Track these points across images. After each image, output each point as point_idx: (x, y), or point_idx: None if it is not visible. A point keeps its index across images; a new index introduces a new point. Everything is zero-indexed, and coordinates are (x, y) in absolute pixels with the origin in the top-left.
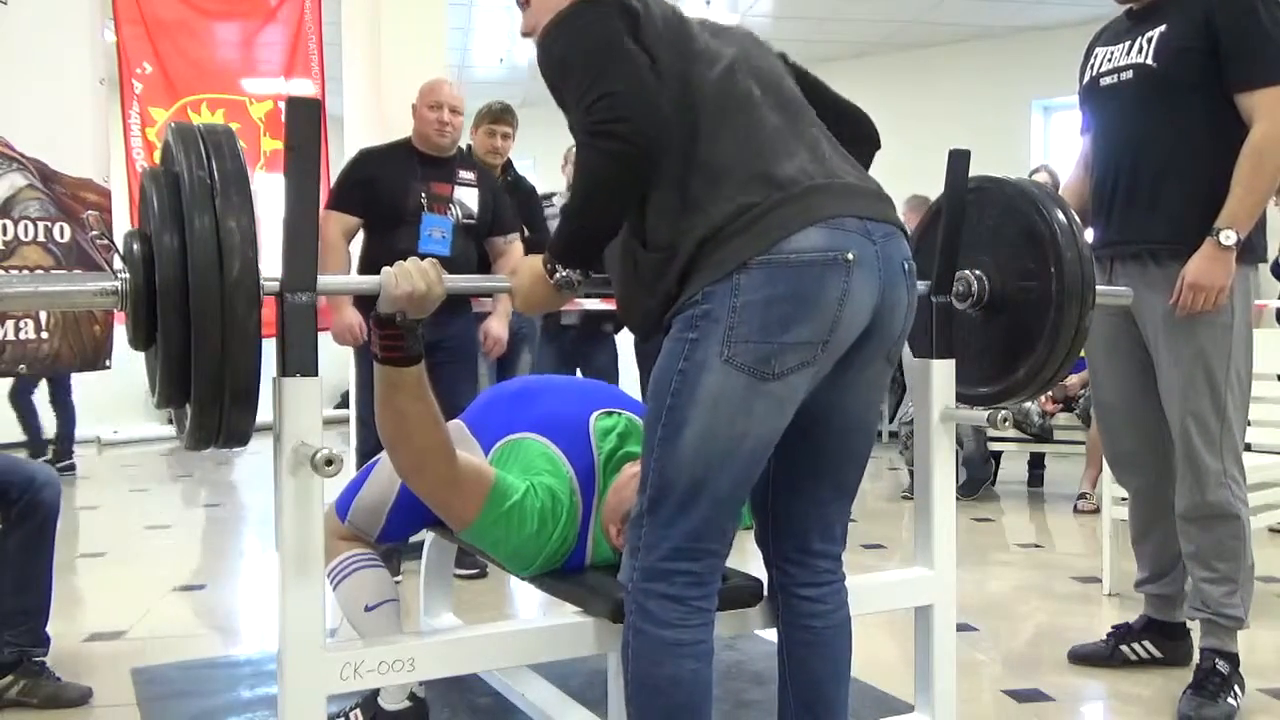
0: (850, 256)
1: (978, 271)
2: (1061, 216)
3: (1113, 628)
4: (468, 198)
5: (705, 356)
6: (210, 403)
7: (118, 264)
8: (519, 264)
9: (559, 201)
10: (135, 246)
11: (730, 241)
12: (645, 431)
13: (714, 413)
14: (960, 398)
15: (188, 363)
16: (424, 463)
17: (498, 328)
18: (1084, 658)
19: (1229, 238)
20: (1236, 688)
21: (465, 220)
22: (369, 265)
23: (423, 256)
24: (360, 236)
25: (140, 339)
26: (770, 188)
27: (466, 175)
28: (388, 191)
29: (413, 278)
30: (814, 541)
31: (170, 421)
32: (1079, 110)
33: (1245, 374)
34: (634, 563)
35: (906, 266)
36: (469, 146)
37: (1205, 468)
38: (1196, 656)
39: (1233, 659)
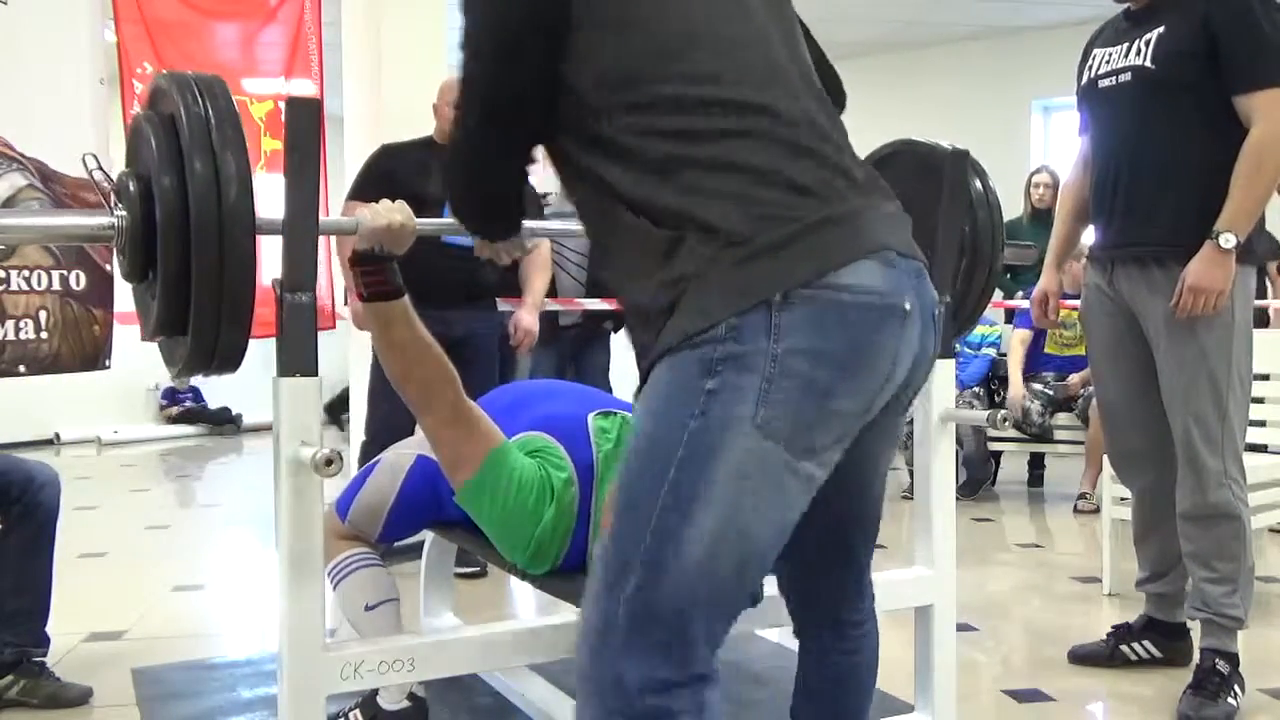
0: (908, 306)
1: None
2: (977, 184)
3: (1113, 628)
4: None
5: (730, 416)
6: (209, 321)
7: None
8: None
9: (555, 201)
10: (130, 185)
11: (760, 260)
12: (625, 506)
13: (738, 493)
14: None
15: (184, 288)
16: (431, 392)
17: (528, 319)
18: (1084, 658)
19: (1228, 240)
20: (1236, 688)
21: None
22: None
23: (446, 246)
24: None
25: (136, 272)
26: (795, 194)
27: None
28: (409, 180)
29: (388, 214)
30: (845, 613)
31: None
32: (1078, 110)
33: (1246, 374)
34: (590, 652)
35: (936, 314)
36: None
37: (1206, 468)
38: (1196, 656)
39: (1233, 659)
